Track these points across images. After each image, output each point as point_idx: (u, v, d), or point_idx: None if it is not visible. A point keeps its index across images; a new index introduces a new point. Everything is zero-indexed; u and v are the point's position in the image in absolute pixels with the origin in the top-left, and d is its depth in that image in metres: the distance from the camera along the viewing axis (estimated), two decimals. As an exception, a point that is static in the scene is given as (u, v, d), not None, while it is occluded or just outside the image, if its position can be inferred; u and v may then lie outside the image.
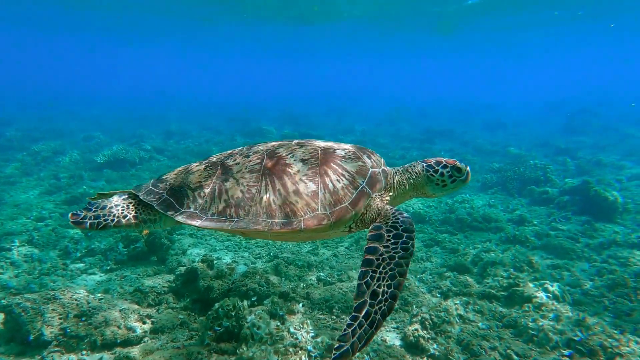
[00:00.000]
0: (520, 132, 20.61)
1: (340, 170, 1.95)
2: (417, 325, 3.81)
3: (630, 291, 4.65)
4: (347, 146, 2.13)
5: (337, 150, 2.03)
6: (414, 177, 2.17)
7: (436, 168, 2.11)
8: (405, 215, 1.89)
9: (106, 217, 2.00)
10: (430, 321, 3.84)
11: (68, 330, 3.14)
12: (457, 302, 4.31)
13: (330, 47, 38.95)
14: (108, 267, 4.83)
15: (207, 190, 1.97)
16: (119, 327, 3.23)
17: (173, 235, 5.97)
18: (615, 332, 3.74)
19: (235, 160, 2.07)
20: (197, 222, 1.91)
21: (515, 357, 3.55)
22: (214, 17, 24.59)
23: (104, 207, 2.06)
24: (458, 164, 2.08)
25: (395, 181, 2.17)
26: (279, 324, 3.59)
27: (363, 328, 1.56)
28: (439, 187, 2.12)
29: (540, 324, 3.88)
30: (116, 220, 2.01)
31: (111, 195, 2.18)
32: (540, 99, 38.20)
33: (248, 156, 2.06)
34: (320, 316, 4.04)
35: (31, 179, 9.73)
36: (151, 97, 48.33)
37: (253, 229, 1.85)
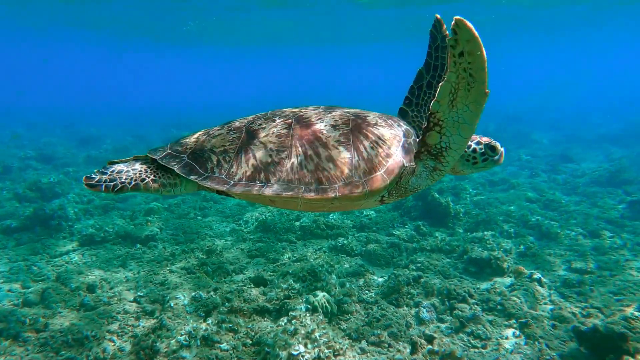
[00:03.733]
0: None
1: (373, 137, 1.89)
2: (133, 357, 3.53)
3: (401, 296, 4.79)
4: (377, 114, 2.09)
5: (368, 117, 1.98)
6: None
7: (469, 143, 1.99)
8: None
9: (123, 180, 1.95)
10: (148, 350, 3.58)
11: None
12: (210, 321, 4.12)
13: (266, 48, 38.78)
14: None
15: (232, 155, 1.91)
16: None
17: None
18: (340, 341, 3.75)
19: (260, 124, 2.00)
20: (224, 187, 1.86)
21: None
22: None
23: (120, 171, 2.02)
24: (493, 142, 1.99)
25: None
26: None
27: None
28: (469, 164, 2.02)
29: (278, 339, 3.79)
30: (134, 182, 1.95)
31: (127, 160, 2.14)
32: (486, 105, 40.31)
33: (274, 120, 1.99)
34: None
35: None
36: (89, 103, 45.29)
37: (285, 195, 1.79)
